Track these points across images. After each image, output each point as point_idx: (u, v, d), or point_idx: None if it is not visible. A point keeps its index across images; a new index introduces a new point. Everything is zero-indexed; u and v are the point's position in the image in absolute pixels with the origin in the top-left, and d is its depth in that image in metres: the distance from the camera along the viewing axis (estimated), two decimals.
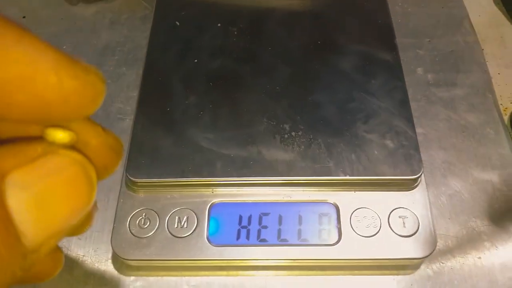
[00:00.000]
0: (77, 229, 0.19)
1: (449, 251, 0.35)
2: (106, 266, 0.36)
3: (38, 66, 0.13)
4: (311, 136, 0.36)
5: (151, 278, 0.35)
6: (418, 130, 0.40)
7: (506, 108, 0.44)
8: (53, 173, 0.14)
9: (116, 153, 0.18)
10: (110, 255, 0.36)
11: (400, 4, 0.49)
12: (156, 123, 0.37)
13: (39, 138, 0.15)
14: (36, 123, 0.15)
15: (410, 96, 0.42)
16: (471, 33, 0.47)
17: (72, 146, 0.15)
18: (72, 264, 0.35)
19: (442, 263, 0.35)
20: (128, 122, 0.41)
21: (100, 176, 0.17)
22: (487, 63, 0.46)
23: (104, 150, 0.17)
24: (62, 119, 0.15)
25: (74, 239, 0.36)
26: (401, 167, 0.35)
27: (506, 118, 0.43)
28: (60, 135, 0.15)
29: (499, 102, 0.44)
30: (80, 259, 0.36)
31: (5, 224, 0.13)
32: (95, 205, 0.19)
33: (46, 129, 0.15)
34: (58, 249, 0.18)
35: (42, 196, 0.14)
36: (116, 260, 0.35)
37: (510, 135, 0.42)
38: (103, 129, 0.17)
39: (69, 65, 0.14)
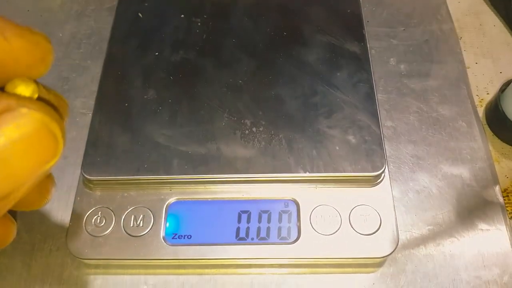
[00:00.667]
0: (36, 202, 0.20)
1: (414, 249, 0.35)
2: (65, 264, 0.35)
3: None
4: (272, 131, 0.35)
5: (110, 277, 0.34)
6: (388, 123, 0.39)
7: (482, 99, 0.42)
8: (12, 132, 0.15)
9: (61, 109, 0.18)
10: (68, 254, 0.35)
11: None
12: (113, 119, 0.36)
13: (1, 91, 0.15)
14: None
15: (381, 88, 0.41)
16: (448, 21, 0.45)
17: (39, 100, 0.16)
18: (30, 262, 0.35)
19: (406, 261, 0.34)
20: (91, 117, 0.40)
21: None
22: (464, 52, 0.45)
23: None
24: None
25: (34, 235, 0.36)
26: (363, 163, 0.34)
27: (481, 110, 0.42)
28: (21, 88, 0.15)
29: (475, 93, 0.43)
30: (39, 257, 0.35)
31: None
32: (52, 180, 0.20)
33: (8, 82, 0.15)
34: (10, 220, 0.19)
35: (1, 153, 0.14)
36: (74, 258, 0.35)
37: (484, 127, 0.40)
38: (45, 88, 0.17)
39: (13, 26, 0.15)
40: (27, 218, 0.37)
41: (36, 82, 0.16)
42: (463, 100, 0.41)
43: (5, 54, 0.15)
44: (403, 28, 0.45)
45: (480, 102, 0.42)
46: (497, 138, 0.40)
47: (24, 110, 0.15)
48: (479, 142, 0.39)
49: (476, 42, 0.46)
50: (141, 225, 0.33)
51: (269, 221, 0.34)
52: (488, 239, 0.35)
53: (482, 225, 0.36)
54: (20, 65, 0.15)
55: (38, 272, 0.35)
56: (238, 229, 0.33)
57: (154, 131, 0.35)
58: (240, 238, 0.33)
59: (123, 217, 0.34)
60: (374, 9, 0.46)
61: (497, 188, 0.37)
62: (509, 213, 0.38)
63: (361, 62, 0.38)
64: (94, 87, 0.42)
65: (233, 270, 0.34)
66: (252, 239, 0.33)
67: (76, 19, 0.47)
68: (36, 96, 0.16)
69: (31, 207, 0.20)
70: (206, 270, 0.34)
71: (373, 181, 0.34)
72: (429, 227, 0.35)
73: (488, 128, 0.41)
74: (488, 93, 0.43)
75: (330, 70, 0.38)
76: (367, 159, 0.34)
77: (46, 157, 0.16)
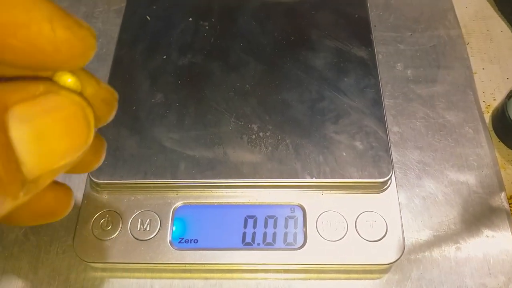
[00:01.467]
0: (90, 164, 0.21)
1: (419, 256, 0.35)
2: (71, 266, 0.35)
3: (33, 14, 0.14)
4: (279, 137, 0.35)
5: (116, 280, 0.35)
6: (394, 129, 0.39)
7: (488, 105, 0.42)
8: (53, 110, 0.15)
9: (108, 105, 0.19)
10: (75, 257, 0.35)
11: None
12: (120, 122, 0.36)
13: (43, 78, 0.16)
14: (29, 69, 0.16)
15: (387, 93, 0.41)
16: (455, 27, 0.45)
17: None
18: (36, 264, 0.35)
19: (412, 267, 0.34)
20: None
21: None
22: (471, 57, 0.45)
23: (96, 101, 0.18)
24: (53, 67, 0.16)
25: (40, 237, 0.36)
26: (370, 170, 0.34)
27: (487, 116, 0.42)
28: (68, 80, 0.16)
29: (482, 99, 0.43)
30: (45, 259, 0.35)
31: (6, 151, 0.14)
32: (103, 142, 0.21)
33: (56, 72, 0.16)
34: (66, 188, 0.20)
35: (41, 130, 0.15)
36: (81, 261, 0.35)
37: (490, 133, 0.40)
38: (97, 81, 0.18)
39: (63, 17, 0.15)
40: None
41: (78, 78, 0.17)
42: (470, 106, 0.41)
43: (48, 43, 0.15)
44: (410, 33, 0.45)
45: (487, 108, 0.42)
46: (503, 144, 0.40)
47: (65, 93, 0.16)
48: (486, 149, 0.39)
49: (483, 48, 0.45)
50: (148, 229, 0.34)
51: (275, 226, 0.34)
52: (494, 246, 0.35)
53: (488, 232, 0.36)
54: (60, 55, 0.15)
55: (44, 274, 0.35)
56: (244, 234, 0.34)
57: (161, 135, 0.35)
58: (246, 243, 0.33)
59: (130, 221, 0.34)
60: (381, 14, 0.46)
61: (503, 194, 0.37)
62: None
63: (369, 68, 0.38)
64: None
65: (239, 275, 0.34)
66: (258, 244, 0.33)
67: (84, 21, 0.47)
68: (79, 90, 0.17)
69: (85, 170, 0.21)
70: (212, 275, 0.34)
71: (380, 188, 0.34)
72: (435, 233, 0.35)
73: (495, 135, 0.41)
74: (495, 99, 0.43)
75: (337, 75, 0.38)
76: (373, 165, 0.34)
77: (79, 142, 0.17)
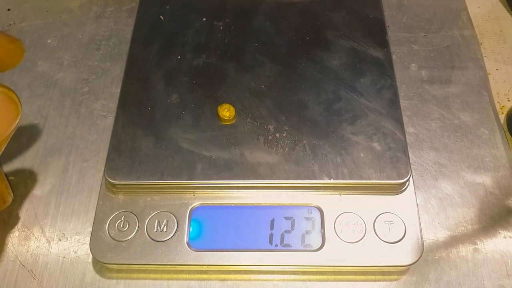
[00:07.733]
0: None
1: (437, 258, 0.34)
2: (87, 268, 0.35)
3: None
4: (296, 137, 0.35)
5: (132, 281, 0.34)
6: (410, 129, 0.39)
7: (503, 106, 0.42)
8: None
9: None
10: (90, 258, 0.35)
11: None
12: (136, 122, 0.36)
13: None
14: None
15: (402, 94, 0.41)
16: (468, 27, 0.45)
17: None
18: (52, 265, 0.35)
19: (429, 269, 0.34)
20: (111, 120, 0.40)
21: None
22: (485, 58, 0.44)
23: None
24: None
25: (55, 238, 0.36)
26: (388, 171, 0.33)
27: (502, 117, 0.42)
28: None
29: (496, 100, 0.43)
30: (61, 260, 0.35)
31: None
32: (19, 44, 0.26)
33: None
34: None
35: None
36: (97, 262, 0.35)
37: (506, 135, 0.40)
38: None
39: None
40: (48, 220, 0.36)
41: None
42: (485, 107, 0.41)
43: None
44: (423, 34, 0.45)
45: (501, 109, 0.42)
46: None
47: None
48: (501, 150, 0.39)
49: (497, 48, 0.45)
50: (164, 230, 0.33)
51: (292, 227, 0.33)
52: None
53: (505, 233, 0.35)
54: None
55: (60, 275, 0.35)
56: (261, 235, 0.33)
57: (177, 135, 0.35)
58: (264, 245, 0.33)
59: (146, 222, 0.34)
60: (394, 14, 0.46)
61: None
62: None
63: (385, 68, 0.38)
64: (114, 89, 0.42)
65: (256, 276, 0.34)
66: (276, 245, 0.33)
67: (95, 21, 0.47)
68: None
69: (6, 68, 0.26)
70: (229, 276, 0.34)
71: (398, 189, 0.34)
72: (452, 235, 0.35)
73: (510, 136, 0.41)
74: (509, 100, 0.43)
75: (353, 75, 0.38)
76: (392, 166, 0.34)
77: (12, 118, 0.21)
